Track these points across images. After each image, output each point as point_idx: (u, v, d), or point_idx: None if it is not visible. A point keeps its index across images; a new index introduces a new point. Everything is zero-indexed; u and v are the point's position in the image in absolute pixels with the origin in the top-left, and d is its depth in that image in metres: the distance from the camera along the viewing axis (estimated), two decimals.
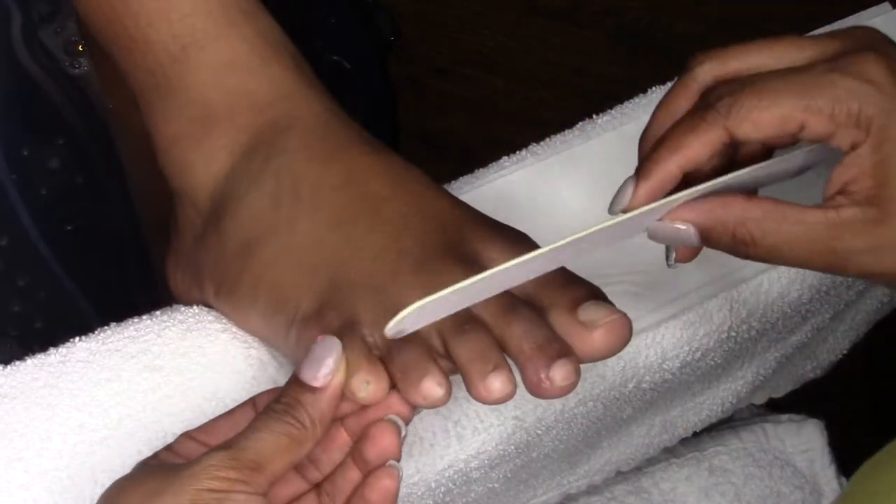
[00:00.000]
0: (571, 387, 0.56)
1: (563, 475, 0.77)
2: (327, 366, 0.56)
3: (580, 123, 0.76)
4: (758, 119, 0.51)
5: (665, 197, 0.54)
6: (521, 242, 0.62)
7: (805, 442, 0.86)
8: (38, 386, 0.64)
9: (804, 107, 0.50)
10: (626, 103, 0.77)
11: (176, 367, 0.65)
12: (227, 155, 0.65)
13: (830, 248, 0.52)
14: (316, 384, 0.55)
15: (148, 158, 0.70)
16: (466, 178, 0.73)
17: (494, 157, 0.74)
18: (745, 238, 0.53)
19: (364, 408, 0.57)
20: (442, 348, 0.57)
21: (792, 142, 0.53)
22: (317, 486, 0.58)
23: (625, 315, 0.57)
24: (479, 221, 0.63)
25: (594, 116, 0.76)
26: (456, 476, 0.67)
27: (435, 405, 0.56)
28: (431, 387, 0.56)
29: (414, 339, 0.57)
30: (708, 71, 0.53)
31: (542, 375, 0.55)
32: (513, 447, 0.67)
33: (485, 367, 0.56)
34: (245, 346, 0.65)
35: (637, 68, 1.51)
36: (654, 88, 0.77)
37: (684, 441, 0.81)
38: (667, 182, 0.54)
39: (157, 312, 0.67)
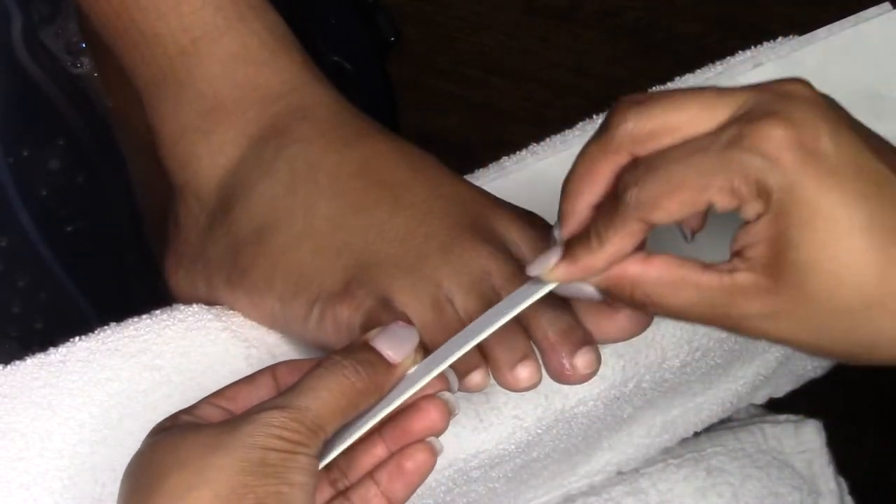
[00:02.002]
0: (593, 374, 0.58)
1: (564, 475, 0.77)
2: (409, 346, 0.57)
3: (580, 123, 0.76)
4: (666, 206, 0.51)
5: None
6: (537, 224, 0.63)
7: (803, 442, 0.86)
8: (38, 386, 0.64)
9: (706, 188, 0.50)
10: None
11: (176, 367, 0.65)
12: (235, 148, 0.66)
13: (725, 313, 0.52)
14: (392, 360, 0.56)
15: (149, 157, 0.70)
16: (466, 178, 0.73)
17: (494, 157, 0.74)
18: (644, 300, 0.53)
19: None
20: None
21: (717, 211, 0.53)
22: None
23: None
24: (497, 204, 0.64)
25: (594, 116, 0.76)
26: (456, 475, 0.67)
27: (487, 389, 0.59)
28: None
29: (452, 328, 0.59)
30: (628, 132, 0.53)
31: (566, 363, 0.58)
32: (513, 446, 0.67)
33: (513, 357, 0.58)
34: (245, 346, 0.66)
35: (637, 68, 1.51)
36: (654, 88, 0.77)
37: (682, 441, 0.81)
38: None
39: (157, 312, 0.67)
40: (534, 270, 0.55)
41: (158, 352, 0.65)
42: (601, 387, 0.68)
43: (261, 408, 0.53)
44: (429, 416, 0.57)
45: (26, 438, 0.62)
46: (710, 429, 0.83)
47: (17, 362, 0.65)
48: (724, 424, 0.85)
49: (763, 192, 0.50)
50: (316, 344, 0.63)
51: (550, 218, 0.65)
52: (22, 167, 0.81)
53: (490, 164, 0.74)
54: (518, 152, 0.74)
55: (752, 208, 0.50)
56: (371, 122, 0.67)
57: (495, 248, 0.61)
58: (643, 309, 0.54)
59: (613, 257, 0.53)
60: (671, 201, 0.51)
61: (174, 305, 0.68)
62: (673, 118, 0.52)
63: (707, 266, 0.52)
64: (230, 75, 0.65)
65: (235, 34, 0.65)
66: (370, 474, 0.57)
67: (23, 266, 0.81)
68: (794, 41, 0.78)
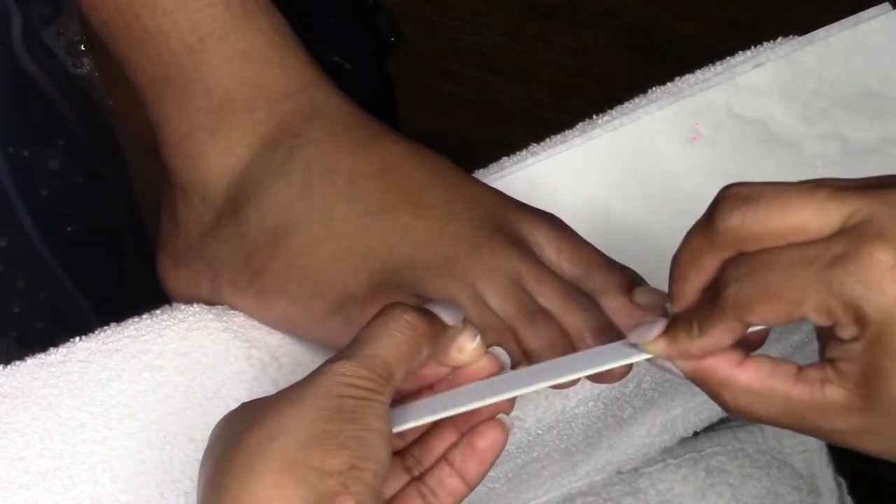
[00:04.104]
0: (627, 374, 0.59)
1: (565, 475, 0.77)
2: (460, 315, 0.56)
3: (580, 123, 0.76)
4: (761, 313, 0.51)
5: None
6: (560, 227, 0.63)
7: (803, 442, 0.86)
8: (38, 386, 0.64)
9: (800, 303, 0.50)
10: (626, 103, 0.77)
11: (177, 367, 0.65)
12: (245, 147, 0.65)
13: (815, 426, 0.52)
14: (448, 322, 0.55)
15: (150, 158, 0.70)
16: None
17: (494, 157, 0.74)
18: (728, 403, 0.53)
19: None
20: (512, 335, 0.60)
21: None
22: (399, 454, 0.58)
23: None
24: (517, 206, 0.64)
25: (594, 116, 0.76)
26: None
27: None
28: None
29: (494, 327, 0.59)
30: (734, 232, 0.51)
31: None
32: (513, 446, 0.67)
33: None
34: (246, 346, 0.65)
35: (637, 68, 1.51)
36: (654, 88, 0.77)
37: (682, 441, 0.81)
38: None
39: (158, 311, 0.67)
40: (634, 338, 0.55)
41: (159, 352, 0.65)
42: (601, 387, 0.68)
43: (330, 360, 0.53)
44: None
45: (26, 438, 0.62)
46: (709, 428, 0.83)
47: (17, 362, 0.65)
48: (723, 424, 0.85)
49: (859, 320, 0.49)
50: (335, 347, 0.63)
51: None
52: (22, 167, 0.81)
53: (490, 164, 0.74)
54: (518, 152, 0.74)
55: (847, 331, 0.49)
56: (380, 123, 0.67)
57: (523, 249, 0.61)
58: (725, 409, 0.54)
59: (710, 348, 0.53)
60: (765, 308, 0.50)
61: (174, 305, 0.68)
62: (782, 223, 0.51)
63: (799, 375, 0.52)
64: (238, 73, 0.65)
65: (243, 32, 0.65)
66: (443, 456, 0.57)
67: (23, 266, 0.81)
68: (794, 41, 0.78)
